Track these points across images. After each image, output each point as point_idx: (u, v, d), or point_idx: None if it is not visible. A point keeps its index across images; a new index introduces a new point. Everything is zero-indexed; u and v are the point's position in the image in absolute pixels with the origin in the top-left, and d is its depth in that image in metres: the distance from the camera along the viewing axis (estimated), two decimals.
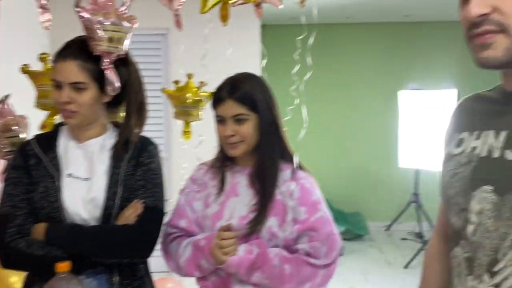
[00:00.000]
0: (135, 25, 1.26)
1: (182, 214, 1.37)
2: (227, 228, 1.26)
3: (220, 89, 1.34)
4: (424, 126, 4.16)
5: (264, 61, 1.92)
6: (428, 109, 4.21)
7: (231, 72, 1.42)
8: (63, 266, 1.02)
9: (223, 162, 1.39)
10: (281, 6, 1.85)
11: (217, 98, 1.33)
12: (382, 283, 3.75)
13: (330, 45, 5.05)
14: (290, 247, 1.30)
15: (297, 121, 1.71)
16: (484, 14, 0.70)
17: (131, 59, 1.33)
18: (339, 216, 4.77)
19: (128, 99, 1.29)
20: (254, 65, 3.38)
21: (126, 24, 1.23)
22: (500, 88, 0.83)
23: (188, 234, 1.36)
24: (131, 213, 1.21)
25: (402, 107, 4.54)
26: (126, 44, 1.25)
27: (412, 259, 4.02)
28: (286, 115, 1.73)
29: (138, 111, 1.31)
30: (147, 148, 1.31)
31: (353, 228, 4.69)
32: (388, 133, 4.86)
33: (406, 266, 3.99)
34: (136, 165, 1.27)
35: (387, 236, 4.89)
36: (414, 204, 4.66)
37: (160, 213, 1.28)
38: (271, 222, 1.28)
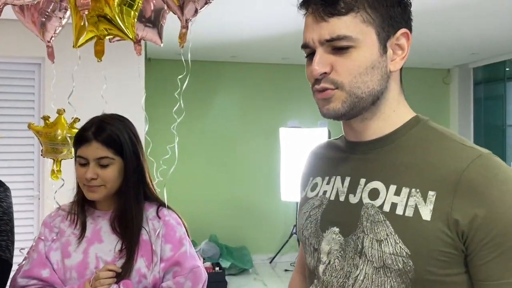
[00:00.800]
0: None
1: (44, 263, 1.26)
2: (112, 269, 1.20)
3: (85, 129, 1.28)
4: (302, 161, 4.43)
5: (143, 98, 1.90)
6: (305, 145, 4.51)
7: (111, 109, 1.38)
8: None
9: (82, 207, 1.32)
10: (161, 45, 1.87)
11: (81, 138, 1.27)
12: None
13: (216, 82, 5.19)
14: (158, 286, 1.28)
15: (181, 158, 1.71)
16: (325, 73, 0.79)
17: None
18: (225, 251, 4.79)
19: None
20: (138, 101, 3.32)
21: None
22: (344, 137, 0.93)
23: (49, 285, 1.24)
24: None
25: (283, 143, 4.80)
26: None
27: None
28: (167, 152, 1.72)
29: None
30: None
31: (239, 263, 4.73)
32: (271, 168, 5.08)
33: None
34: None
35: (271, 268, 5.02)
36: (296, 235, 4.89)
37: (5, 264, 1.15)
38: (140, 264, 1.25)
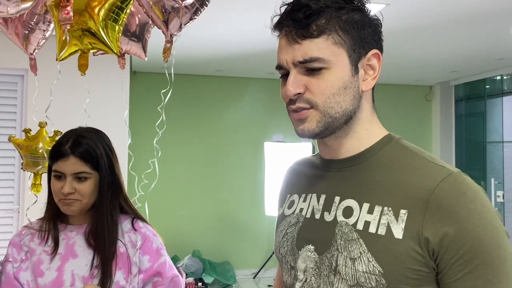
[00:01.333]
0: None
1: (14, 285, 1.22)
2: None
3: (61, 143, 1.26)
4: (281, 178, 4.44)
5: (126, 111, 1.89)
6: (290, 160, 4.51)
7: (94, 122, 1.38)
8: None
9: (55, 222, 1.30)
10: (145, 59, 1.87)
11: (58, 153, 1.25)
12: None
13: (201, 96, 5.19)
14: None
15: (164, 172, 1.71)
16: (299, 93, 0.81)
17: None
18: (209, 266, 4.74)
19: None
20: (121, 114, 3.30)
21: None
22: (319, 155, 0.95)
23: None
24: None
25: (267, 157, 4.81)
26: None
27: None
28: (149, 166, 1.71)
29: None
30: None
31: (222, 279, 4.69)
32: (255, 182, 5.07)
33: None
34: None
35: (254, 284, 4.98)
36: None
37: None
38: (118, 277, 1.25)
